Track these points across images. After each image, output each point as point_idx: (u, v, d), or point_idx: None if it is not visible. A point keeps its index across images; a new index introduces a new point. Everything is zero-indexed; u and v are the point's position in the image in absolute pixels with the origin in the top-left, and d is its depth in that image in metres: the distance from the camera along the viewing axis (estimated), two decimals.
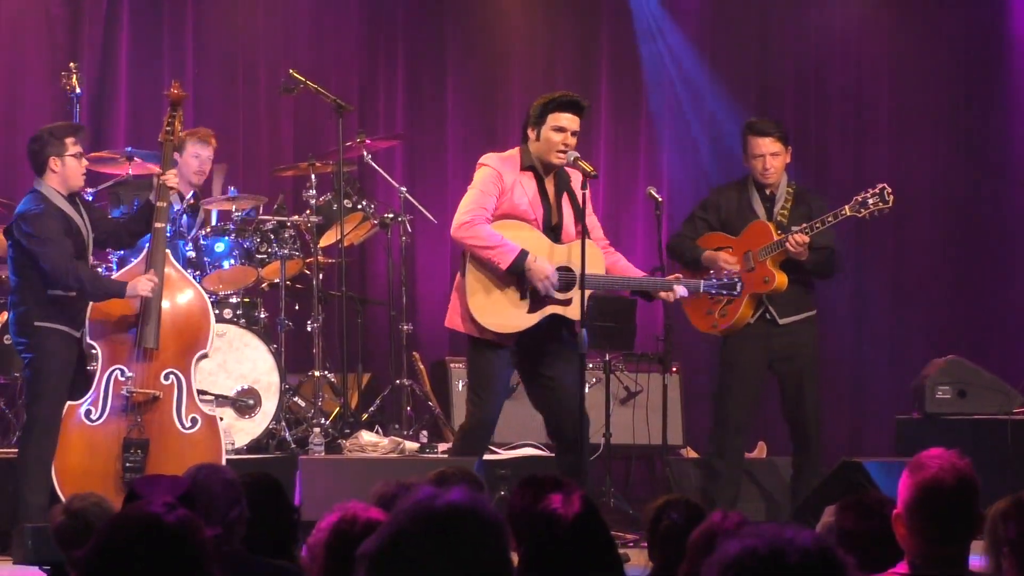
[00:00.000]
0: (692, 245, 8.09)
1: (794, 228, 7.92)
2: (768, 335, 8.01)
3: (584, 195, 7.21)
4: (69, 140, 7.52)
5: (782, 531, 2.23)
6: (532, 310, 7.26)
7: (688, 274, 7.92)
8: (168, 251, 7.73)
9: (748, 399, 8.12)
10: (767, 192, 8.12)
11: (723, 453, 8.06)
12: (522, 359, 7.40)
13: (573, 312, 7.26)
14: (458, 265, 7.50)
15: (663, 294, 7.39)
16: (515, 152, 7.36)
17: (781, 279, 7.90)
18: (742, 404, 8.07)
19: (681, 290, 7.37)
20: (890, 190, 7.97)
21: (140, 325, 7.52)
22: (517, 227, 7.28)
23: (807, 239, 7.84)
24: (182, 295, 7.73)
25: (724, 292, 7.52)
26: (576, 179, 7.35)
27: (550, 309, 7.26)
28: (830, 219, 7.91)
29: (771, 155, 8.05)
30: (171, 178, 7.68)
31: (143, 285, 7.48)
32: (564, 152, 7.25)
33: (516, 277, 7.22)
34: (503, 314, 7.25)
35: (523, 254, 7.16)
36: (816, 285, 8.23)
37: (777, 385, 8.25)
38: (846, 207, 7.93)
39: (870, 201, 7.94)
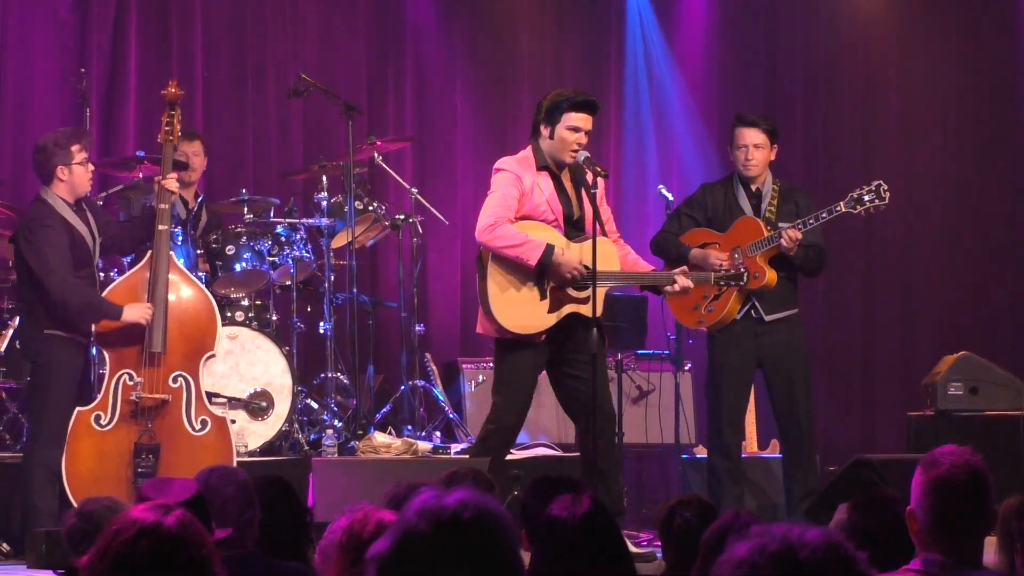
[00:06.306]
0: (677, 241, 8.02)
1: (782, 224, 7.83)
2: (755, 333, 7.94)
3: (595, 195, 7.20)
4: (75, 147, 7.41)
5: (793, 528, 2.22)
6: (552, 310, 7.26)
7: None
8: (172, 253, 7.67)
9: (739, 397, 8.08)
10: (753, 188, 8.02)
11: (722, 451, 8.00)
12: (549, 362, 7.41)
13: (589, 310, 7.24)
14: (469, 265, 7.48)
15: (667, 288, 7.39)
16: (528, 153, 7.35)
17: (771, 275, 7.83)
18: (734, 402, 8.02)
19: (685, 281, 7.35)
20: (886, 187, 7.82)
21: (147, 329, 7.45)
22: (536, 227, 7.27)
23: (800, 235, 7.77)
24: (188, 298, 7.67)
25: (732, 282, 7.52)
26: (589, 173, 7.34)
27: (569, 308, 7.26)
28: (824, 215, 7.80)
29: (754, 146, 7.94)
30: (171, 181, 7.56)
31: (139, 312, 7.39)
32: (576, 151, 7.25)
33: (535, 277, 7.22)
34: (525, 315, 7.25)
35: (550, 248, 7.16)
36: (800, 284, 8.15)
37: (765, 384, 8.18)
38: (841, 203, 7.81)
39: (866, 198, 7.80)
